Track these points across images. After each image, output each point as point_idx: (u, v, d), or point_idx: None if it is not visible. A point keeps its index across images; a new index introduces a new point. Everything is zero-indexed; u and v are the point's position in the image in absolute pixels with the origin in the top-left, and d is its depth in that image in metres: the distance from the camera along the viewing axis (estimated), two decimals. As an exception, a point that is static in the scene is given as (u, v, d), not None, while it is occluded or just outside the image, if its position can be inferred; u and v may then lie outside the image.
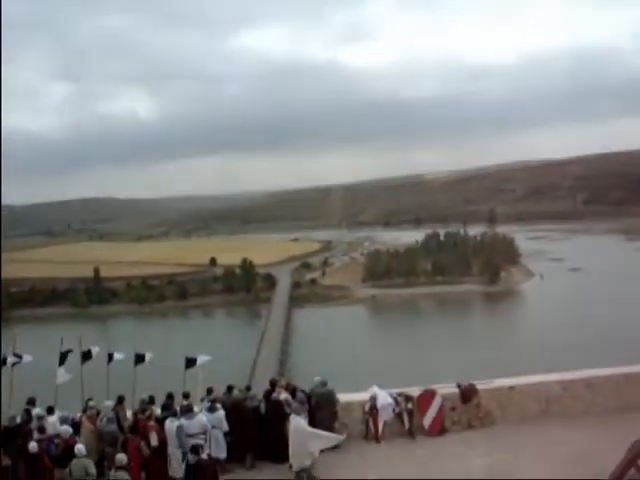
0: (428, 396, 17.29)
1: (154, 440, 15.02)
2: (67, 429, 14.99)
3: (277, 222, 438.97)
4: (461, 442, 16.38)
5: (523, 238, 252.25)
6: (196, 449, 13.36)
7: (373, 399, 17.03)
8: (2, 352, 19.68)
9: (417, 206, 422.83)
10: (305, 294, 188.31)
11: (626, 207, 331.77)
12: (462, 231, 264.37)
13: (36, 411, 16.34)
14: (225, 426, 15.67)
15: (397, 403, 17.14)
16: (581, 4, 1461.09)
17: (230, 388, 16.92)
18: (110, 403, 16.01)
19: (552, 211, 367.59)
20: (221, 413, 15.76)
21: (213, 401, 16.04)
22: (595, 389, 17.61)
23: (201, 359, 19.50)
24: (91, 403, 16.33)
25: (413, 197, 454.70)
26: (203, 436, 14.90)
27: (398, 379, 37.07)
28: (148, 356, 19.55)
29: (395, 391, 17.60)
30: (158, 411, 15.99)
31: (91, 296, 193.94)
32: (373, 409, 16.93)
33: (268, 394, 16.97)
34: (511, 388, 17.73)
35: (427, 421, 17.09)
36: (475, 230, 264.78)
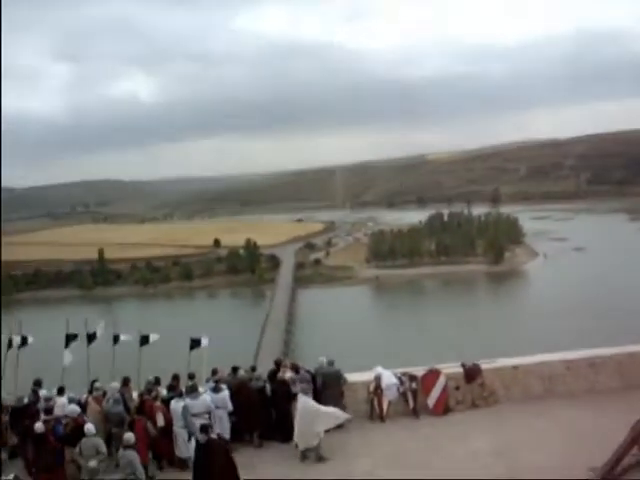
0: (432, 376, 17.34)
1: (160, 420, 15.13)
2: (75, 408, 15.12)
3: (280, 203, 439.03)
4: (465, 421, 16.44)
5: (527, 218, 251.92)
6: (206, 428, 13.41)
7: (377, 379, 17.09)
8: (4, 335, 19.87)
9: (420, 186, 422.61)
10: (309, 275, 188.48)
11: (629, 186, 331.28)
12: (466, 211, 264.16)
13: (43, 392, 16.48)
14: (229, 406, 15.76)
15: (401, 383, 17.20)
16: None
17: (235, 369, 16.95)
18: (117, 384, 16.10)
19: (555, 191, 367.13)
20: (225, 393, 15.84)
21: (217, 381, 16.12)
22: (598, 368, 17.62)
23: (205, 340, 19.64)
24: (97, 384, 16.43)
25: (416, 177, 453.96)
26: (207, 416, 14.99)
27: (402, 359, 37.24)
28: (153, 337, 19.65)
29: (399, 371, 17.65)
30: (164, 392, 16.08)
31: (96, 278, 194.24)
32: (378, 389, 17.00)
33: (273, 374, 17.06)
34: (515, 367, 17.75)
35: (431, 401, 17.15)
36: (479, 210, 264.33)
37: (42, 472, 14.29)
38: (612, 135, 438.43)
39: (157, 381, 16.53)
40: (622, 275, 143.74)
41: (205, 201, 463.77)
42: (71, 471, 14.56)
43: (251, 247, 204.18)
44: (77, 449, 13.71)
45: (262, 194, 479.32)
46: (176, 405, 15.07)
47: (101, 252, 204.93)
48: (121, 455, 13.03)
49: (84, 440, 13.68)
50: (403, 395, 17.17)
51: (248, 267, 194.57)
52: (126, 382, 16.60)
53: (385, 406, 16.98)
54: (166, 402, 15.47)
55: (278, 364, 17.55)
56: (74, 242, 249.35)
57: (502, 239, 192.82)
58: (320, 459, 14.84)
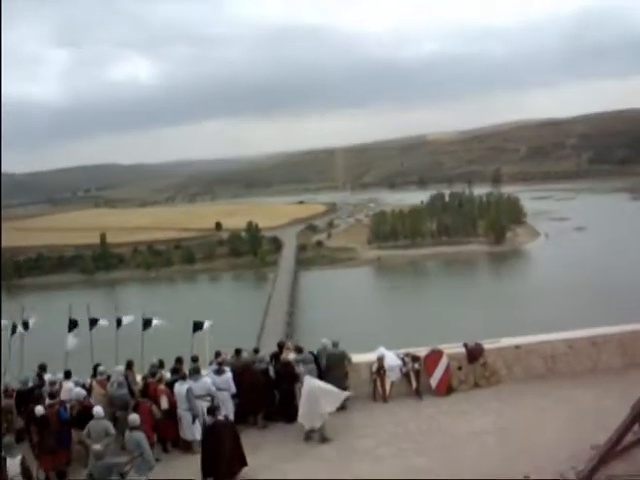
0: (435, 356, 17.41)
1: (165, 403, 15.22)
2: (80, 391, 15.26)
3: (281, 185, 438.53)
4: (468, 401, 16.52)
5: (528, 198, 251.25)
6: (213, 410, 13.55)
7: (380, 360, 17.16)
8: (7, 320, 20.00)
9: (421, 167, 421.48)
10: (311, 256, 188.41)
11: (631, 166, 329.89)
12: (467, 191, 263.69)
13: (48, 376, 16.59)
14: (233, 388, 15.84)
15: (404, 363, 17.28)
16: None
17: (238, 351, 17.03)
18: (121, 368, 16.20)
19: (557, 170, 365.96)
20: (228, 375, 15.91)
21: (220, 364, 16.19)
22: (600, 347, 17.67)
23: (207, 323, 19.74)
24: (101, 368, 16.53)
25: (417, 158, 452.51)
26: (208, 398, 15.09)
27: (405, 339, 37.33)
28: (155, 321, 19.74)
29: (402, 351, 17.73)
30: (168, 375, 16.15)
31: (98, 262, 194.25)
32: (380, 370, 17.08)
33: (276, 356, 17.13)
34: (517, 347, 17.79)
35: (434, 381, 17.23)
36: (480, 190, 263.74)
37: (45, 454, 14.44)
38: (614, 114, 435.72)
39: (161, 364, 16.62)
40: (623, 254, 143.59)
41: (206, 184, 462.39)
42: (78, 453, 14.72)
43: (253, 229, 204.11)
44: (85, 431, 13.82)
45: (263, 176, 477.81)
46: (180, 388, 15.15)
47: (103, 236, 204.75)
48: (128, 437, 13.10)
49: (92, 422, 13.79)
50: (406, 375, 17.25)
51: (250, 250, 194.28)
52: (130, 365, 16.71)
53: (388, 387, 17.07)
54: (170, 385, 15.55)
55: (281, 346, 17.62)
56: (75, 227, 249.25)
57: (503, 219, 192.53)
58: (324, 440, 14.94)
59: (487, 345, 17.74)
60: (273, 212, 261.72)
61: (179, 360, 16.42)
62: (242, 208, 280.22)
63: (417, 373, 17.24)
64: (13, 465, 12.32)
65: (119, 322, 19.59)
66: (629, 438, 11.67)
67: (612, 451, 11.31)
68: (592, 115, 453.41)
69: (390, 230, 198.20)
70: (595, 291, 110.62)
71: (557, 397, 15.89)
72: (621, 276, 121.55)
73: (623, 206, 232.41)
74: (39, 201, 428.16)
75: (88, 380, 16.57)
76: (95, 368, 16.70)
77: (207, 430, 13.45)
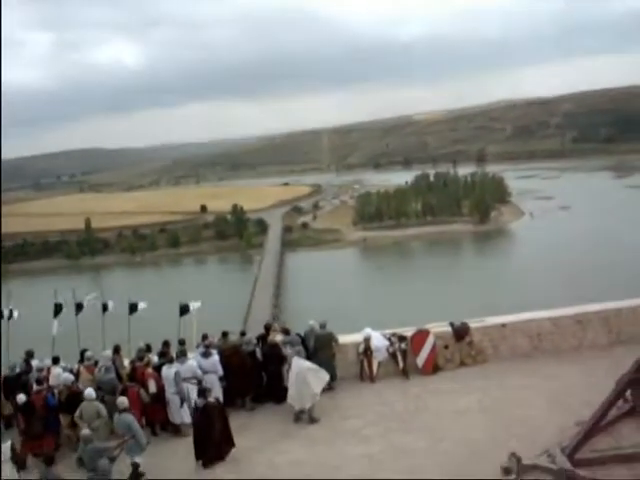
0: (421, 336, 17.47)
1: (152, 387, 15.23)
2: (68, 376, 15.24)
3: (266, 167, 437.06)
4: (454, 380, 16.62)
5: (513, 177, 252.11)
6: (203, 392, 13.60)
7: (367, 340, 17.22)
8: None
9: (406, 147, 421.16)
10: (297, 238, 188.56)
11: (615, 144, 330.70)
12: (452, 171, 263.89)
13: (35, 363, 16.57)
14: (220, 370, 15.84)
15: (391, 343, 17.34)
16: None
17: (225, 334, 17.04)
18: (109, 353, 16.16)
19: (541, 149, 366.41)
20: (215, 358, 15.91)
21: (207, 347, 16.20)
22: (585, 325, 17.78)
23: (193, 305, 19.73)
24: (88, 353, 16.50)
25: (402, 138, 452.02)
26: (194, 381, 15.11)
27: (391, 320, 37.44)
28: (141, 305, 19.73)
29: (388, 332, 17.77)
30: (155, 359, 16.15)
31: (83, 247, 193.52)
32: (367, 350, 17.14)
33: (263, 338, 17.15)
34: (503, 326, 17.86)
35: (421, 360, 17.31)
36: (465, 170, 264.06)
37: (30, 440, 14.46)
38: (599, 92, 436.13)
39: (148, 348, 16.62)
40: (608, 233, 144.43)
41: (191, 167, 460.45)
42: (68, 439, 14.74)
43: (238, 212, 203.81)
44: (77, 413, 13.82)
45: (247, 158, 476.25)
46: (168, 371, 15.15)
47: (88, 221, 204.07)
48: (117, 420, 13.10)
49: (85, 404, 13.80)
50: (393, 356, 17.31)
51: (236, 232, 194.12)
52: (117, 350, 16.69)
53: (375, 367, 17.14)
54: (157, 368, 15.55)
55: (268, 328, 17.64)
56: (60, 212, 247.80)
57: (488, 198, 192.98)
58: (313, 420, 15.02)
59: (473, 324, 17.81)
60: (258, 194, 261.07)
61: (166, 343, 16.39)
62: (227, 191, 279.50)
63: (404, 353, 17.30)
64: (4, 450, 12.33)
65: (105, 307, 19.57)
66: (614, 413, 11.80)
67: (597, 426, 11.43)
68: (578, 94, 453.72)
69: (375, 211, 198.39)
70: (580, 269, 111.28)
71: (543, 375, 16.00)
72: (606, 254, 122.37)
73: (607, 184, 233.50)
74: (24, 186, 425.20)
75: (76, 365, 16.55)
76: (82, 353, 16.68)
77: (198, 412, 13.49)
